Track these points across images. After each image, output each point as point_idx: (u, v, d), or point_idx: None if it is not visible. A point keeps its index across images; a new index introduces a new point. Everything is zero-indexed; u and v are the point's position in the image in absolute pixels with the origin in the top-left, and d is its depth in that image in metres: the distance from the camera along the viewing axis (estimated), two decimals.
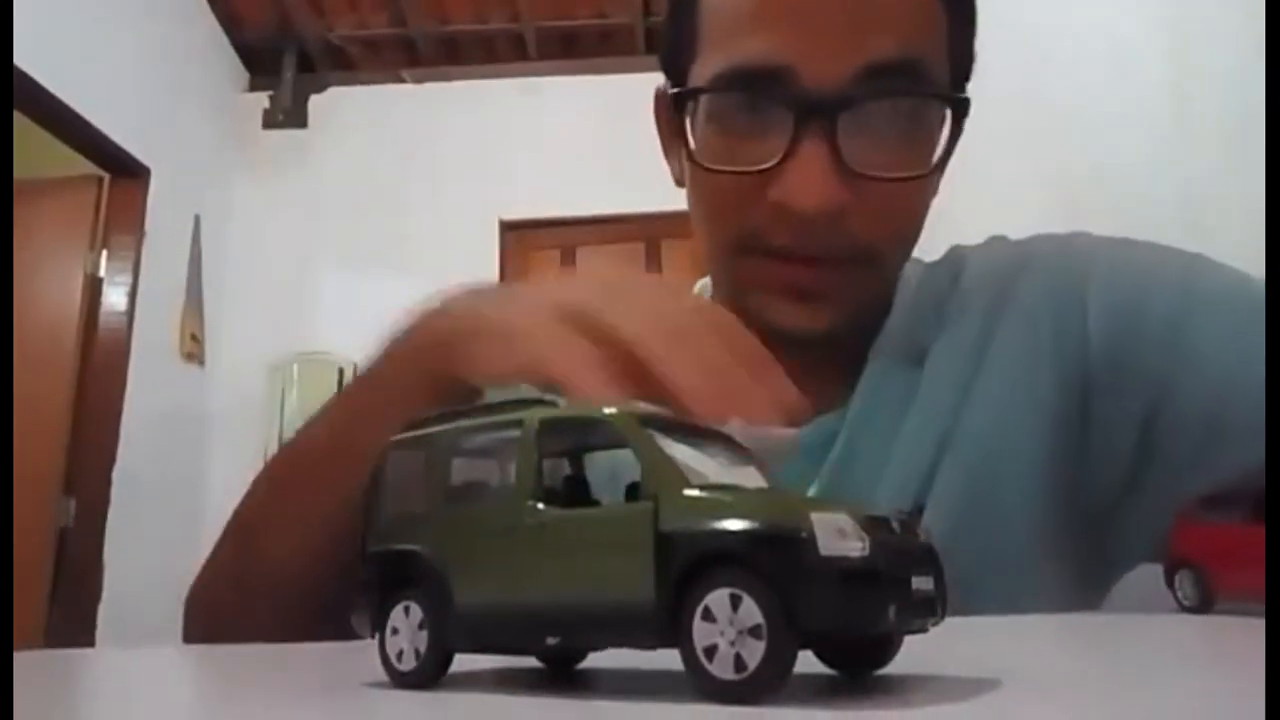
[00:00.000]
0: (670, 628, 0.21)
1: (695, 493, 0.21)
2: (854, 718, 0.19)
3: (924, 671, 0.24)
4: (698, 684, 0.20)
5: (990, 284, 0.61)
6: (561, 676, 0.27)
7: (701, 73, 0.54)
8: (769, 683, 0.19)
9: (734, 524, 0.20)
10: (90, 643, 2.61)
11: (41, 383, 2.74)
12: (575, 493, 0.27)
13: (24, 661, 0.37)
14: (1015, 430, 0.56)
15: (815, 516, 0.20)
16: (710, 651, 0.20)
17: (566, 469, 0.27)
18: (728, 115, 0.53)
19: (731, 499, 0.21)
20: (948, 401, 0.57)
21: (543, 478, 0.24)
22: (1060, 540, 0.56)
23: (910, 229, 0.56)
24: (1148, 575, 0.52)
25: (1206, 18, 1.48)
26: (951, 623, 0.23)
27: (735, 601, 0.20)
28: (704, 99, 0.54)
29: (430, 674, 0.25)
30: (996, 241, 0.66)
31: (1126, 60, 1.67)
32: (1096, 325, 0.56)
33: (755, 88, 0.51)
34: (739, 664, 0.19)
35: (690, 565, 0.20)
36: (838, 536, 0.20)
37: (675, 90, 0.56)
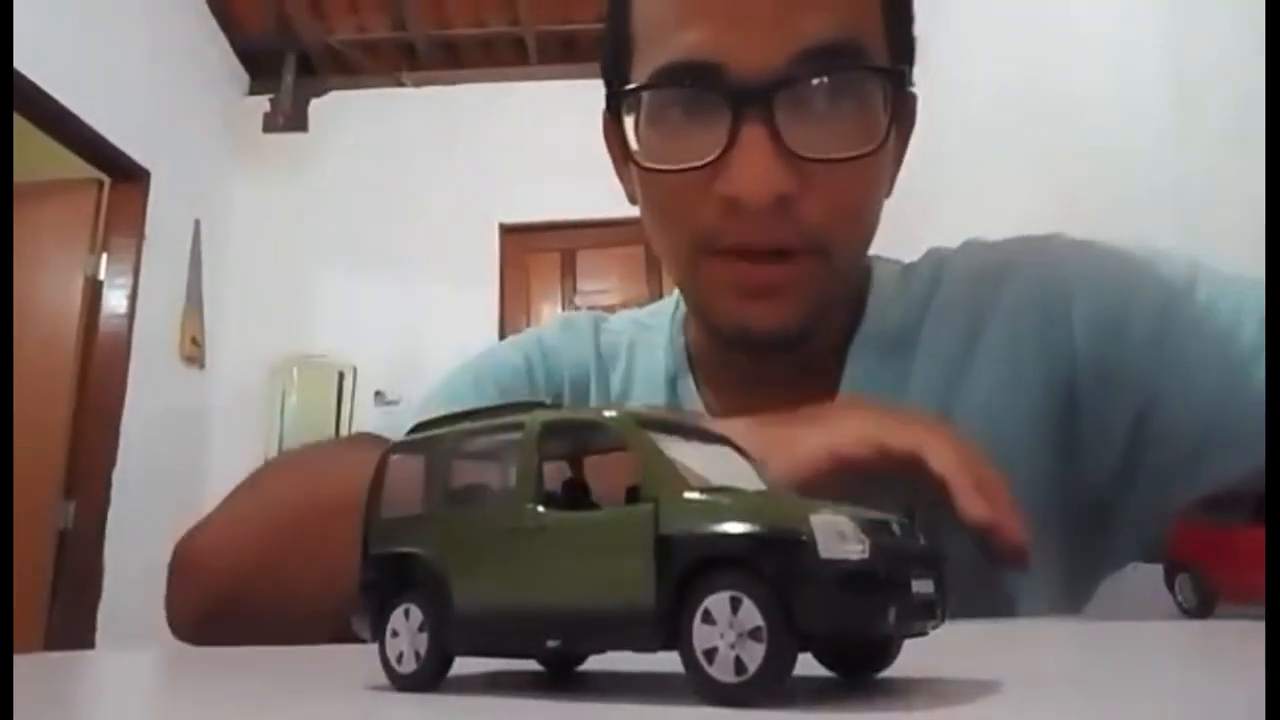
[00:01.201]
0: (670, 630, 0.21)
1: (695, 495, 0.21)
2: None
3: (924, 675, 0.24)
4: (698, 687, 0.20)
5: (972, 290, 0.61)
6: (561, 679, 0.27)
7: (637, 76, 0.54)
8: (769, 685, 0.19)
9: (734, 527, 0.20)
10: (90, 644, 2.61)
11: (41, 385, 2.74)
12: (576, 496, 0.27)
13: (24, 664, 0.37)
14: (1002, 436, 0.56)
15: (815, 519, 0.20)
16: (710, 654, 0.20)
17: (567, 472, 0.27)
18: (667, 115, 0.53)
19: (731, 501, 0.21)
20: (932, 407, 0.57)
21: (543, 480, 0.24)
22: (1048, 543, 0.56)
23: (861, 213, 0.55)
24: (1148, 578, 0.52)
25: (1205, 6, 1.48)
26: (951, 626, 0.23)
27: (735, 604, 0.20)
28: (645, 102, 0.53)
29: (430, 677, 0.25)
30: (974, 245, 0.66)
31: (1124, 50, 1.67)
32: (1082, 335, 0.56)
33: (688, 83, 0.51)
34: (739, 666, 0.19)
35: (690, 568, 0.20)
36: (838, 539, 0.20)
37: (608, 92, 0.55)
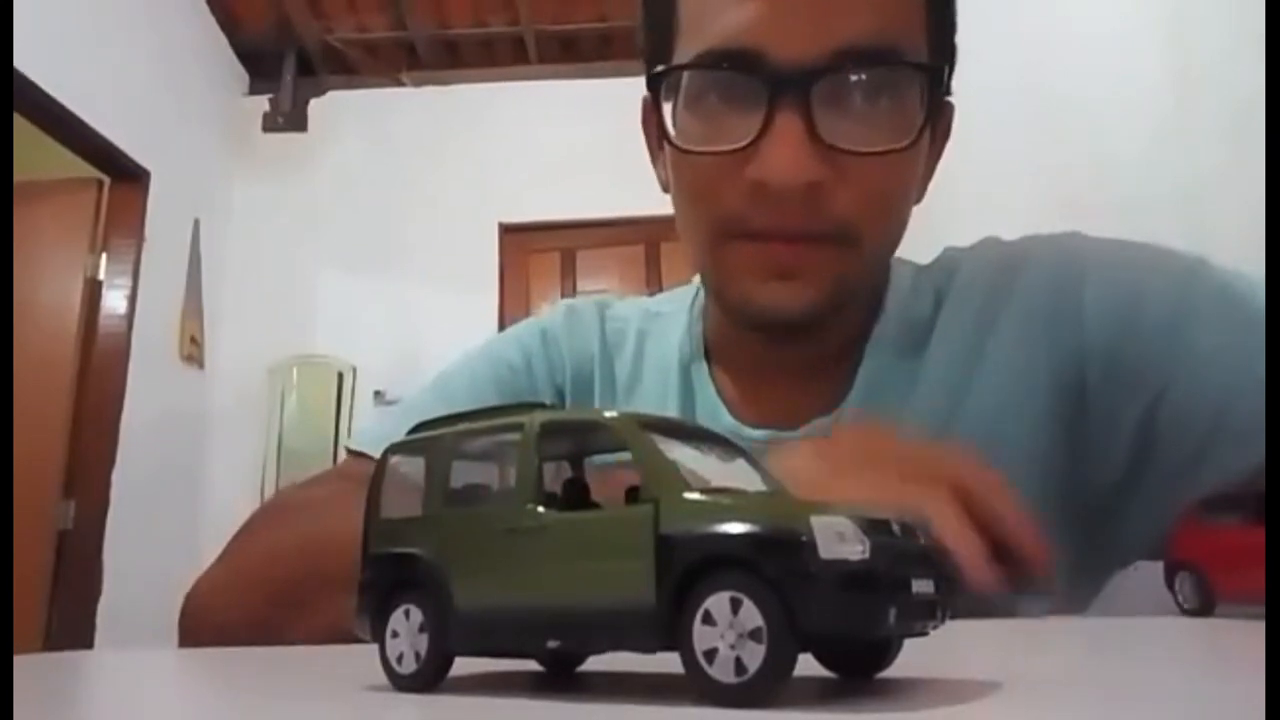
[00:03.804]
0: (671, 631, 0.21)
1: (696, 496, 0.21)
2: None
3: (924, 675, 0.24)
4: (698, 687, 0.20)
5: (985, 285, 0.61)
6: (561, 679, 0.27)
7: (679, 60, 0.54)
8: (769, 686, 0.19)
9: (734, 527, 0.20)
10: (89, 645, 2.61)
11: (41, 385, 2.74)
12: (575, 496, 0.27)
13: (23, 664, 0.37)
14: (1011, 431, 0.56)
15: (815, 520, 0.20)
16: (710, 655, 0.20)
17: (567, 472, 0.27)
18: (705, 100, 0.53)
19: (731, 502, 0.21)
20: (943, 402, 0.57)
21: (543, 481, 0.24)
22: (1056, 534, 0.56)
23: (892, 208, 0.55)
24: (1149, 577, 0.52)
25: (1206, 9, 1.48)
26: (952, 626, 0.23)
27: (735, 605, 0.20)
28: (684, 86, 0.54)
29: (430, 677, 0.25)
30: (990, 242, 0.66)
31: (1126, 52, 1.68)
32: (1093, 328, 0.56)
33: (726, 66, 0.51)
34: (739, 667, 0.19)
35: (691, 568, 0.20)
36: (837, 540, 0.20)
37: (649, 74, 0.55)
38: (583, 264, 3.69)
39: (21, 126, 2.62)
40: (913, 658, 0.23)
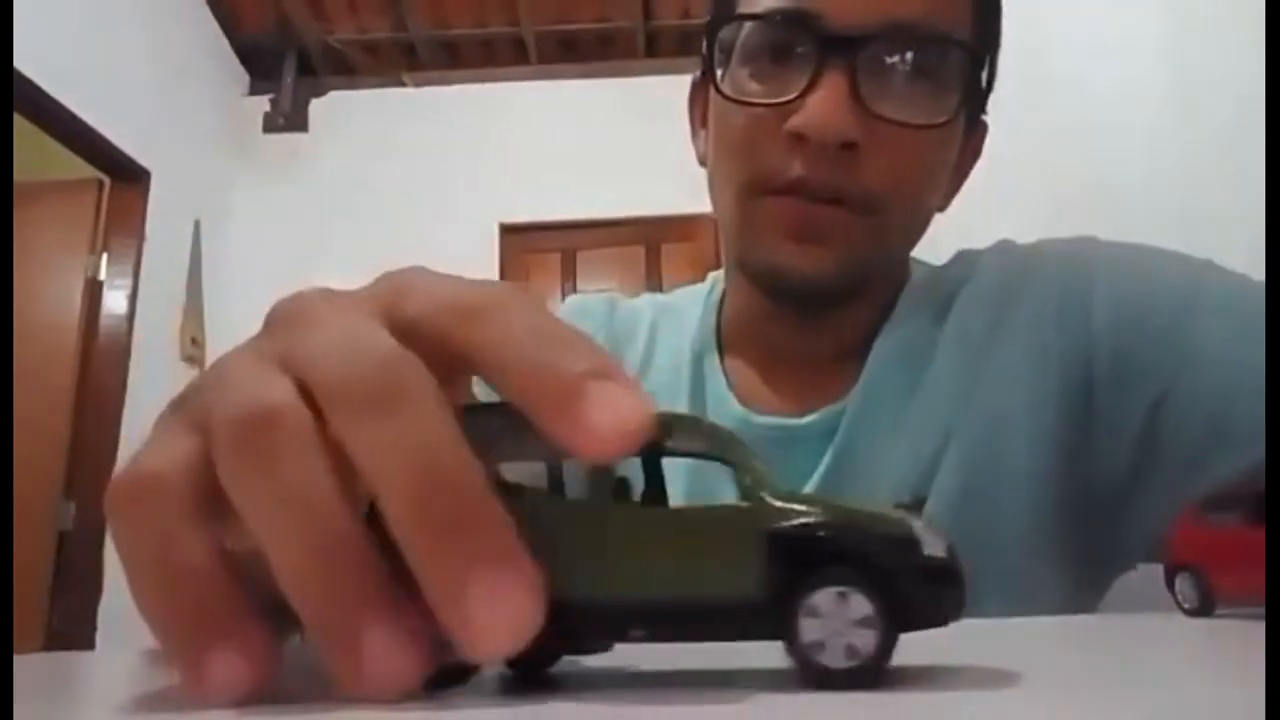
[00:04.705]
0: (780, 622, 0.21)
1: (783, 504, 0.22)
2: (851, 713, 0.19)
3: (923, 670, 0.24)
4: (807, 675, 0.21)
5: (999, 282, 0.62)
6: (561, 678, 0.27)
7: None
8: (879, 668, 0.21)
9: (844, 525, 0.21)
10: (90, 645, 2.61)
11: (42, 386, 2.74)
12: (653, 493, 0.26)
13: (23, 664, 0.37)
14: (1019, 426, 0.56)
15: (914, 522, 0.22)
16: (817, 645, 0.21)
17: (641, 469, 0.27)
18: (758, 60, 0.56)
19: (822, 502, 0.22)
20: (952, 396, 0.58)
21: (617, 475, 0.24)
22: (1060, 537, 0.56)
23: (919, 187, 0.57)
24: (1148, 577, 0.52)
25: (1208, 28, 1.49)
26: (953, 623, 0.24)
27: (843, 597, 0.21)
28: (737, 47, 0.57)
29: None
30: (1004, 245, 0.67)
31: (1126, 71, 1.68)
32: (1101, 322, 0.57)
33: (779, 19, 0.54)
34: (850, 652, 0.21)
35: (802, 562, 0.21)
36: (932, 539, 0.22)
37: (709, 20, 0.58)
38: (583, 264, 3.70)
39: (21, 126, 2.62)
40: (914, 653, 0.23)
